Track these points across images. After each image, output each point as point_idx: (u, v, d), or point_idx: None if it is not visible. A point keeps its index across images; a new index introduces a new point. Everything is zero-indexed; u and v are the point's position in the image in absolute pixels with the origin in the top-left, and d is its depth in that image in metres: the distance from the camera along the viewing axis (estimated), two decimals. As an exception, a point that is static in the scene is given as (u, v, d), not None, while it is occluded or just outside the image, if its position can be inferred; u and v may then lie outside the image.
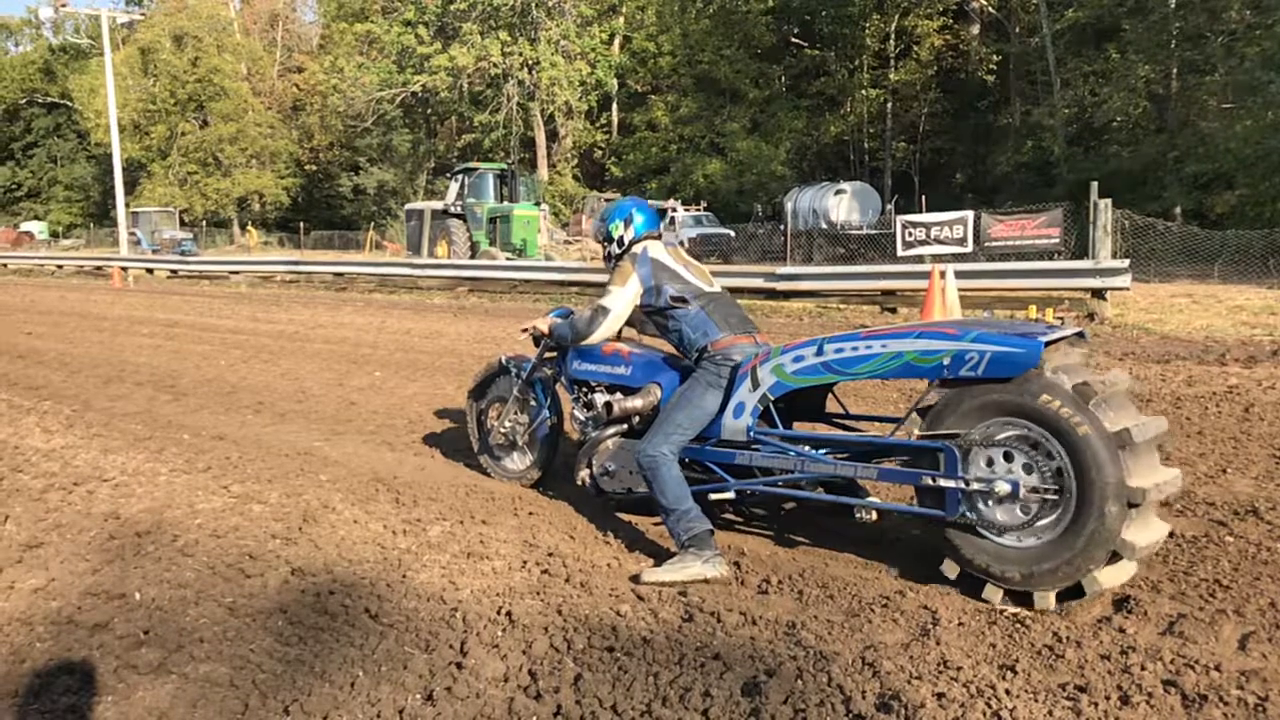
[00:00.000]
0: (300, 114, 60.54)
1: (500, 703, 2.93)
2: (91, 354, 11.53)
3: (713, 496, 4.37)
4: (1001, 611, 3.50)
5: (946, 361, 3.69)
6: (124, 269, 28.34)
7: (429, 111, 52.26)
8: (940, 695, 2.83)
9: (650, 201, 34.35)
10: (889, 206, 31.72)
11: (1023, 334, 3.61)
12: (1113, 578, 3.52)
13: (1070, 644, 3.17)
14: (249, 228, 57.13)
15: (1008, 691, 2.85)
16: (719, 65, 41.71)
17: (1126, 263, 12.74)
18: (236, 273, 27.90)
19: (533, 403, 5.45)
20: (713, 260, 29.86)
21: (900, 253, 17.93)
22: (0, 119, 70.26)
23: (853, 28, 40.00)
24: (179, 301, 20.78)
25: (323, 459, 6.13)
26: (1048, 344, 3.54)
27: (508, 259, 25.62)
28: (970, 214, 17.25)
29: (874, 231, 27.24)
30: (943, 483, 3.69)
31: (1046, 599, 3.49)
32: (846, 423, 4.80)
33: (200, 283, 27.97)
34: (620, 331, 4.93)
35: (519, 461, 5.56)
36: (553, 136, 47.86)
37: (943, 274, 11.83)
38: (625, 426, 4.71)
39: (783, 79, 43.91)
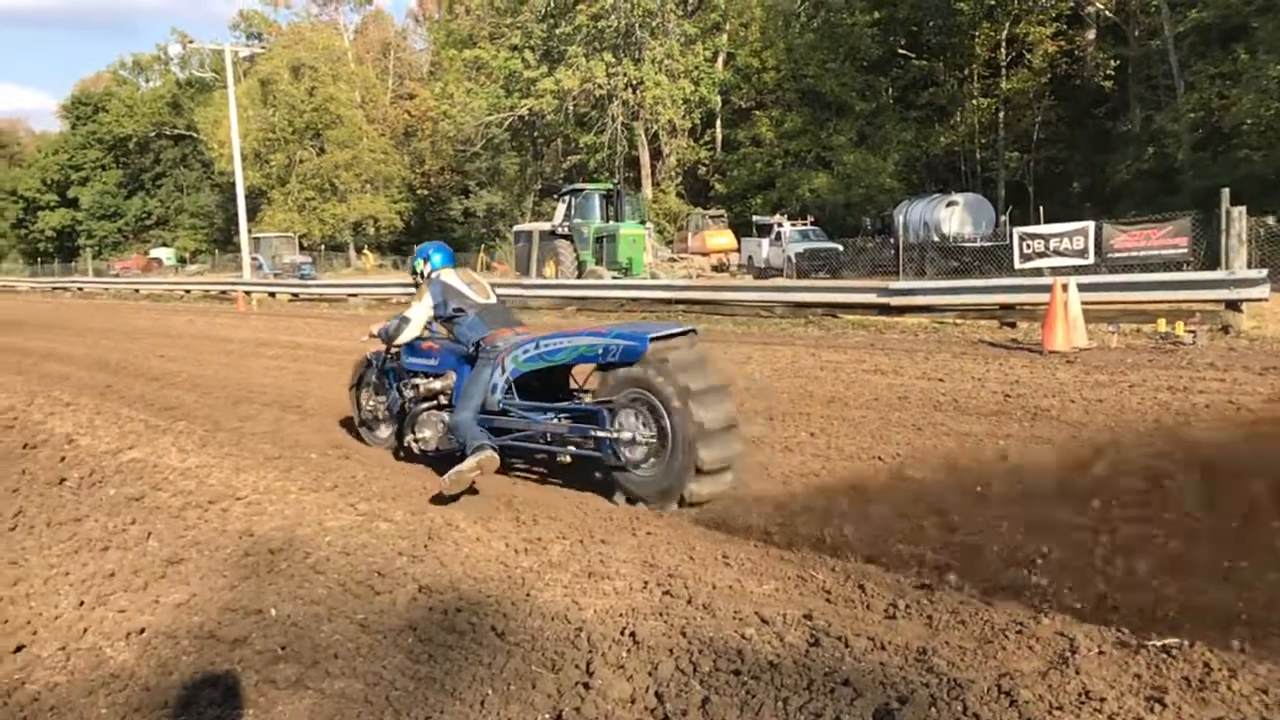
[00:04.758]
0: (412, 139, 62.20)
1: (629, 725, 2.92)
2: (220, 375, 12.00)
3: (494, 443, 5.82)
4: (1146, 641, 3.33)
5: (600, 351, 5.48)
6: (248, 293, 29.46)
7: (535, 134, 53.09)
8: (1085, 728, 2.71)
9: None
10: (1003, 218, 30.88)
11: (642, 331, 5.37)
12: (708, 489, 5.25)
13: (1223, 674, 3.00)
14: (365, 251, 58.92)
15: (1157, 726, 2.71)
16: (824, 79, 41.32)
17: (1264, 272, 12.12)
18: (354, 295, 28.73)
19: (387, 387, 7.10)
20: (821, 275, 29.56)
21: (1018, 265, 17.46)
22: (133, 151, 74.18)
23: (962, 37, 39.16)
24: (300, 324, 21.47)
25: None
26: (654, 338, 5.32)
27: (614, 278, 25.82)
28: (1091, 224, 16.72)
29: (988, 243, 26.54)
30: (599, 434, 5.47)
31: (670, 506, 5.27)
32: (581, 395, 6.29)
33: (320, 305, 28.87)
34: (432, 331, 6.60)
35: (384, 431, 7.27)
36: (657, 155, 48.09)
37: (1065, 287, 11.44)
38: (435, 402, 6.44)
39: (890, 90, 43.25)
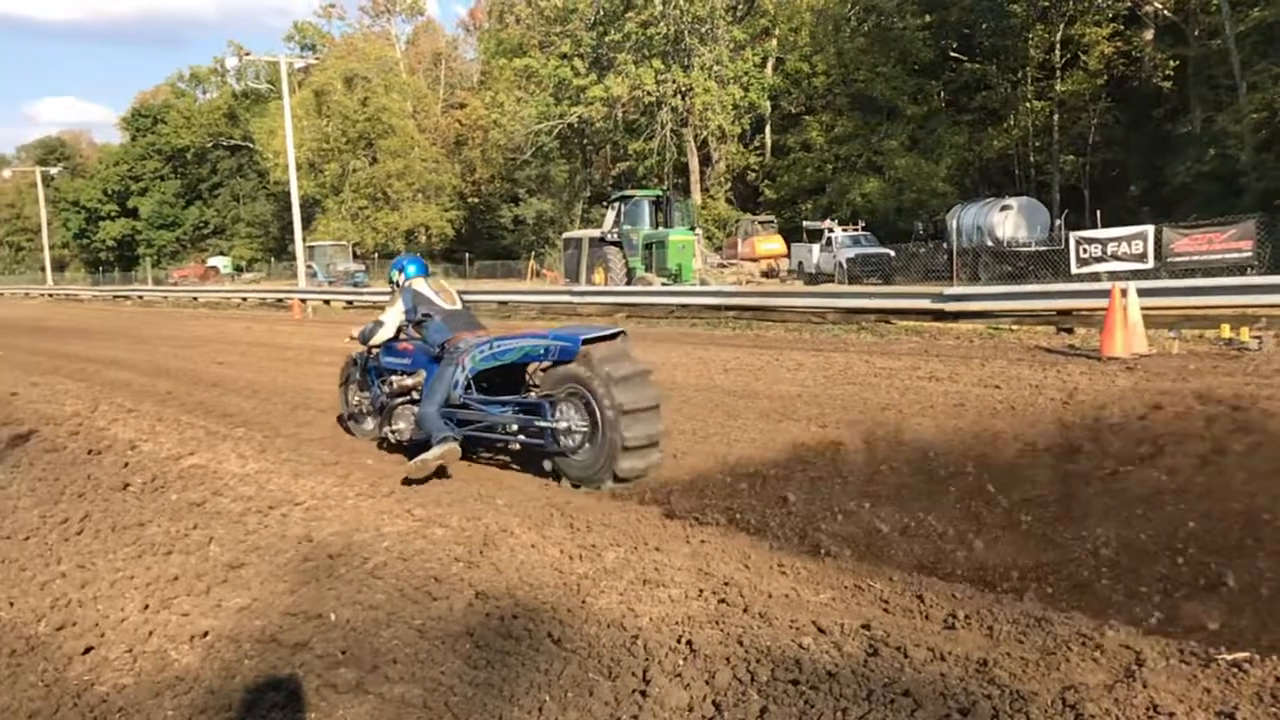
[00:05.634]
0: (462, 148, 62.78)
1: (687, 734, 2.90)
2: (278, 382, 12.18)
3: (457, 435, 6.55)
4: (1216, 655, 3.25)
5: (542, 351, 6.28)
6: (303, 300, 29.87)
7: (585, 141, 53.36)
8: (1155, 744, 2.65)
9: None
10: (1058, 222, 30.39)
11: (576, 333, 6.10)
12: (636, 464, 5.99)
13: (1297, 691, 2.92)
14: (417, 259, 59.44)
15: (1231, 743, 2.64)
16: (875, 83, 41.07)
17: (1333, 275, 11.81)
18: (406, 302, 28.96)
19: (370, 384, 7.79)
20: (873, 281, 29.32)
21: (1075, 270, 17.17)
22: (191, 162, 75.75)
23: (1015, 39, 38.68)
24: (354, 331, 21.65)
25: (498, 484, 6.28)
26: (585, 340, 6.03)
27: (663, 284, 25.83)
28: (1150, 228, 16.39)
29: (1043, 248, 26.15)
30: (542, 424, 6.21)
31: (605, 485, 5.98)
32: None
33: (374, 313, 29.17)
34: (403, 333, 7.33)
35: (369, 424, 7.88)
36: (706, 161, 48.09)
37: (1124, 292, 11.23)
38: (408, 397, 7.18)
39: (942, 94, 42.86)
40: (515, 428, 6.48)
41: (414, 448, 6.81)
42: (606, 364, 5.96)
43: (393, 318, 7.29)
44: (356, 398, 8.13)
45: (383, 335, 7.34)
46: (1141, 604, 3.79)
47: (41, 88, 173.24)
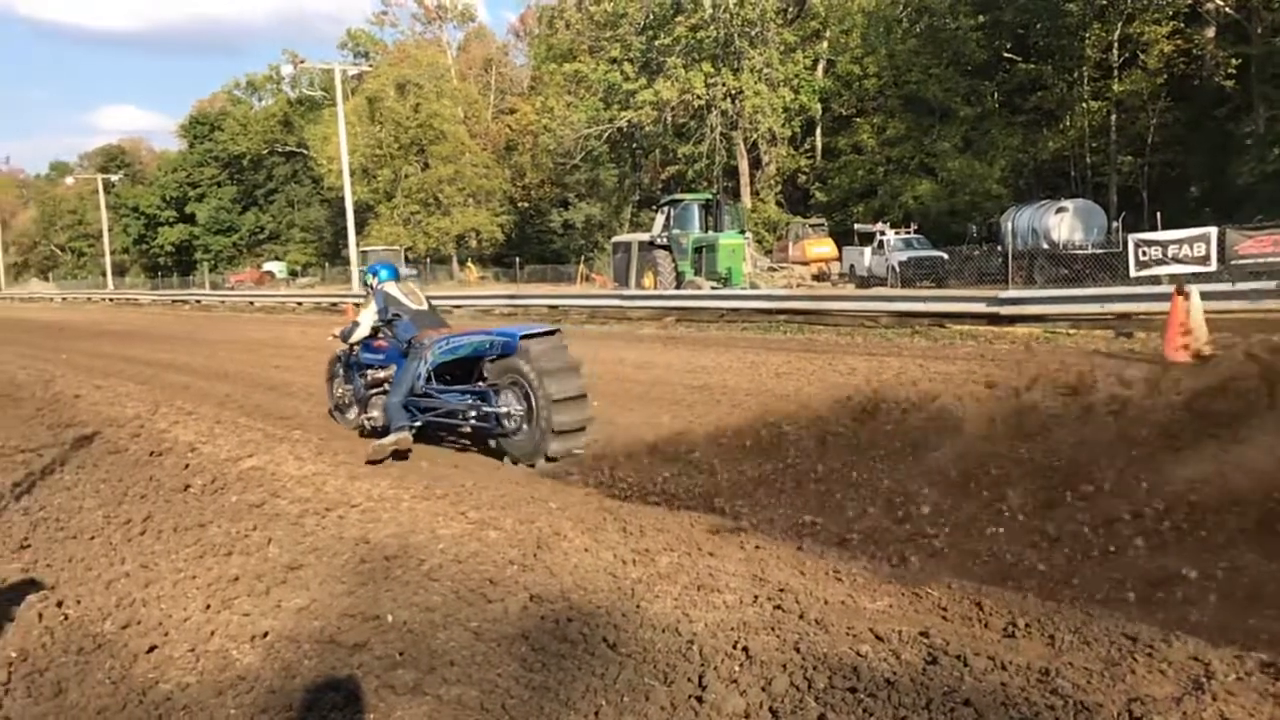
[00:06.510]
0: (513, 153, 63.15)
1: (744, 741, 2.89)
2: (333, 385, 12.33)
3: (415, 424, 7.47)
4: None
5: (488, 346, 7.19)
6: (357, 305, 30.19)
7: (634, 145, 53.43)
8: (1227, 759, 2.59)
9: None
10: (1115, 224, 29.85)
11: (516, 330, 7.11)
12: (563, 446, 6.90)
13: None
14: (468, 264, 60.01)
15: (1307, 760, 2.57)
16: (927, 84, 40.67)
17: (1405, 277, 11.47)
18: (459, 307, 29.25)
19: (351, 378, 8.60)
20: (926, 284, 29.01)
21: (1133, 273, 16.83)
22: (246, 168, 77.06)
23: (1071, 38, 38.06)
24: (406, 334, 21.85)
25: (550, 487, 6.30)
26: (523, 336, 6.99)
27: (713, 288, 25.77)
28: (1213, 230, 16.00)
29: (1100, 251, 25.69)
30: (488, 409, 7.15)
31: (539, 462, 6.88)
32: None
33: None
34: (380, 331, 8.13)
35: (352, 414, 8.66)
36: (756, 164, 47.91)
37: (1186, 295, 10.98)
38: (382, 388, 7.90)
39: (996, 95, 42.30)
40: (472, 414, 7.34)
41: (378, 432, 7.74)
42: (541, 358, 6.92)
43: (367, 318, 8.13)
44: (340, 390, 8.99)
45: (359, 334, 8.19)
46: None
47: (102, 97, 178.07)
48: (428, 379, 7.46)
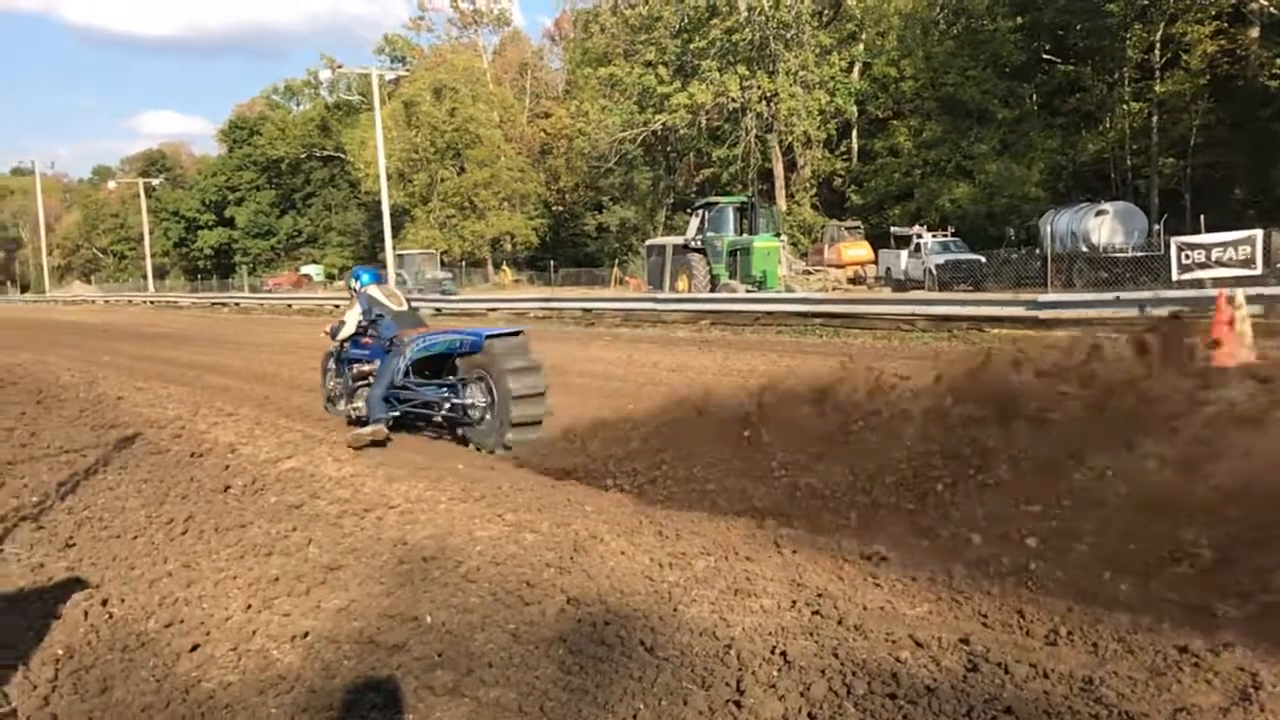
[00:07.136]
0: (548, 157, 63.39)
1: (783, 747, 2.87)
2: (370, 387, 12.41)
3: (393, 414, 8.24)
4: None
5: (459, 344, 7.99)
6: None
7: (668, 149, 53.45)
8: (1278, 772, 2.54)
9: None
10: (1156, 227, 29.41)
11: (483, 330, 7.99)
12: (520, 436, 7.56)
13: None
14: (503, 267, 60.29)
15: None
16: (965, 86, 40.32)
17: None
18: (494, 310, 29.43)
19: (342, 372, 9.25)
20: (963, 287, 28.77)
21: (1176, 277, 16.57)
22: (285, 172, 77.91)
23: (1111, 39, 37.60)
24: (442, 337, 21.96)
25: (585, 491, 6.30)
26: (489, 336, 7.82)
27: (748, 291, 25.71)
28: (1258, 233, 15.73)
29: (1141, 254, 25.35)
30: (456, 401, 7.95)
31: (499, 450, 7.53)
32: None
33: (461, 320, 29.63)
34: (367, 330, 8.83)
35: (343, 405, 9.16)
36: (791, 167, 47.73)
37: (1230, 299, 10.80)
38: (367, 381, 8.55)
39: (1034, 97, 41.89)
40: (445, 406, 8.07)
41: (362, 421, 8.44)
42: (504, 357, 7.66)
43: (352, 318, 8.85)
44: (332, 383, 9.62)
45: (345, 332, 8.91)
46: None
47: (143, 102, 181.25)
48: (406, 373, 8.18)
